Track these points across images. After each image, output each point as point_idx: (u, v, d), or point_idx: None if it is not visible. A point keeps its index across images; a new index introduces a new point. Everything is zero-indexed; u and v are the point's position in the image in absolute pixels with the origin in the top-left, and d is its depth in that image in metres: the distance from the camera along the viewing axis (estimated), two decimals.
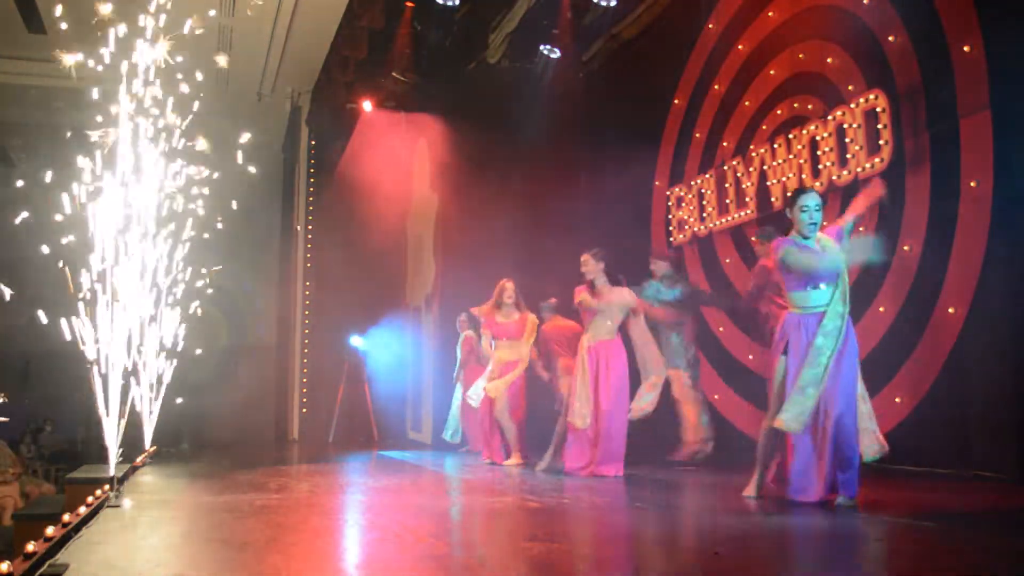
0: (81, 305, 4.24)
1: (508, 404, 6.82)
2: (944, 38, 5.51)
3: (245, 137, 5.99)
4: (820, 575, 2.91)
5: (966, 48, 5.36)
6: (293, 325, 12.15)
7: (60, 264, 4.31)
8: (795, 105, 6.94)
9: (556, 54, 9.22)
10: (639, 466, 6.16)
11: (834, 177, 6.33)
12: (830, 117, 6.38)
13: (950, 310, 5.38)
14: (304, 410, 11.83)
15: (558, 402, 6.85)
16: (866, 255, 4.56)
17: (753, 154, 7.27)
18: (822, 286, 4.15)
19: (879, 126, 5.95)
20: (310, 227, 11.70)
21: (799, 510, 3.97)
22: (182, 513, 4.21)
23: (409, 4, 9.17)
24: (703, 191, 8.00)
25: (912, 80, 5.76)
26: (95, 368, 4.21)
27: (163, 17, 4.94)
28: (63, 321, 4.19)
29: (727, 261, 7.62)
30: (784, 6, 7.09)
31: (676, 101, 8.57)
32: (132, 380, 4.95)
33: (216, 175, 6.10)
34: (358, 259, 10.92)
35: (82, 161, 4.56)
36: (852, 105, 6.17)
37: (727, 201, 7.63)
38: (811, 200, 4.29)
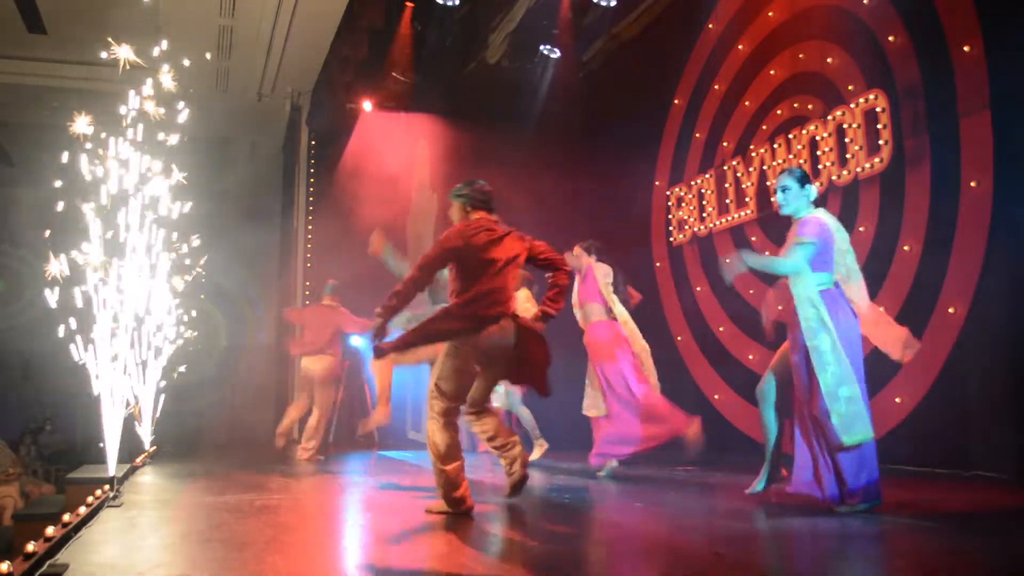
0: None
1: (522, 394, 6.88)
2: (944, 38, 5.51)
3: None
4: (820, 575, 2.91)
5: (966, 48, 5.36)
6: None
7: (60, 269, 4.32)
8: (795, 105, 6.95)
9: (556, 54, 9.23)
10: (639, 466, 6.16)
11: (834, 177, 6.33)
12: (830, 117, 6.38)
13: (950, 310, 5.38)
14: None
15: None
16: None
17: (753, 154, 7.27)
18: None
19: (879, 126, 5.95)
20: (310, 227, 11.68)
21: (798, 510, 3.97)
22: (182, 513, 4.21)
23: (409, 4, 9.17)
24: (703, 191, 8.00)
25: (912, 80, 5.76)
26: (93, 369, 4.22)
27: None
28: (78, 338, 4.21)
29: (727, 261, 7.61)
30: (784, 6, 7.10)
31: (676, 101, 8.57)
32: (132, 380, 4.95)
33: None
34: (358, 259, 10.90)
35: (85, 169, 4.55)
36: (852, 105, 6.17)
37: (727, 201, 7.63)
38: (777, 181, 4.20)
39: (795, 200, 4.15)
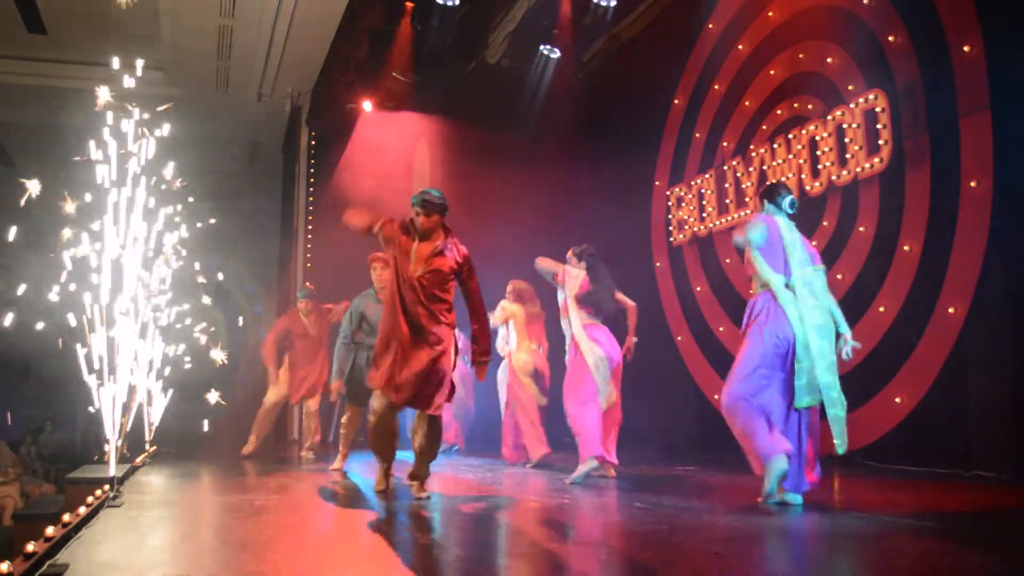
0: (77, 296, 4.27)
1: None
2: (944, 38, 5.51)
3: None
4: (820, 575, 2.91)
5: (966, 48, 5.37)
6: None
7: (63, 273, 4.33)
8: (795, 105, 6.95)
9: (556, 54, 9.23)
10: (639, 466, 6.16)
11: (834, 177, 6.33)
12: (830, 117, 6.38)
13: (950, 310, 5.38)
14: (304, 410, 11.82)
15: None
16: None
17: (753, 154, 7.28)
18: None
19: (879, 126, 5.95)
20: (310, 227, 11.69)
21: (798, 510, 3.97)
22: (182, 513, 4.21)
23: (409, 4, 9.17)
24: (703, 191, 8.00)
25: (912, 80, 5.76)
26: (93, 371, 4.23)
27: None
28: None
29: (727, 261, 7.63)
30: (784, 6, 7.10)
31: (676, 101, 8.57)
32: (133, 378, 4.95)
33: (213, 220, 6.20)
34: (358, 259, 10.89)
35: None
36: (852, 105, 6.18)
37: (727, 201, 7.63)
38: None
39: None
